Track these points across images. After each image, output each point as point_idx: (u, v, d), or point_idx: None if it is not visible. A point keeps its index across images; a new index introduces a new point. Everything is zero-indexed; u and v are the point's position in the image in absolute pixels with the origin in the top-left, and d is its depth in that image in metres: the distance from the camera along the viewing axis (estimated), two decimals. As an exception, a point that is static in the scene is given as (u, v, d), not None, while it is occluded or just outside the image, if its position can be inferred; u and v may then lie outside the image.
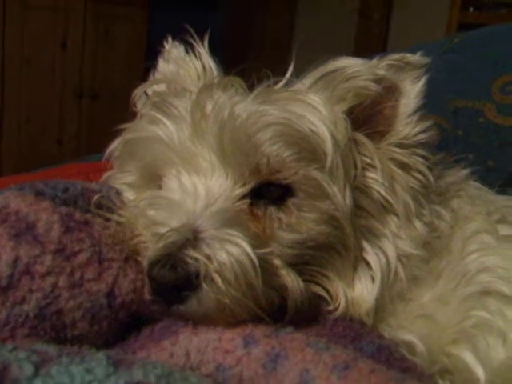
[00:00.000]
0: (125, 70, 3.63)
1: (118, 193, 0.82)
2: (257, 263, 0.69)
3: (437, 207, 0.88)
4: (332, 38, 3.76)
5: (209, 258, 0.68)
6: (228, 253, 0.68)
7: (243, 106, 0.77)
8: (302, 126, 0.77)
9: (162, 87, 0.94)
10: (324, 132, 0.78)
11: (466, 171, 0.97)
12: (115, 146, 0.90)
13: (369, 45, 3.69)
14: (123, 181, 0.87)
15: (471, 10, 3.35)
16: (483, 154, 1.23)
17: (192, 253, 0.67)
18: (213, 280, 0.67)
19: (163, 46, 0.98)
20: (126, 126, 0.91)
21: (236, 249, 0.69)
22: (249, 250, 0.69)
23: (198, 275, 0.67)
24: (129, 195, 0.84)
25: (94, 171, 1.01)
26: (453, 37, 1.52)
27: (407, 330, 0.81)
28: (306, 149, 0.77)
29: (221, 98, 0.78)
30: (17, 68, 3.34)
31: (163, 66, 0.97)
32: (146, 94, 0.95)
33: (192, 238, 0.69)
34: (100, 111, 3.56)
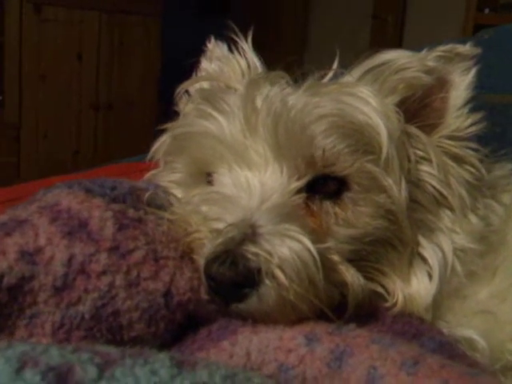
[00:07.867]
0: (140, 80, 3.63)
1: (166, 191, 0.80)
2: (318, 258, 0.67)
3: (489, 201, 0.85)
4: (347, 41, 3.74)
5: (269, 253, 0.65)
6: (289, 248, 0.66)
7: (295, 97, 0.75)
8: (357, 118, 0.75)
9: (204, 85, 0.93)
10: (378, 123, 0.75)
11: (511, 165, 0.95)
12: (159, 145, 0.88)
13: (384, 48, 3.71)
14: (170, 178, 0.85)
15: (487, 11, 3.33)
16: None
17: (252, 248, 0.65)
18: (274, 276, 0.65)
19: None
20: (168, 125, 0.90)
21: (297, 244, 0.67)
22: (309, 245, 0.67)
23: (259, 271, 0.65)
24: (177, 193, 0.82)
25: (134, 171, 0.99)
26: (483, 33, 1.50)
27: (467, 327, 0.78)
28: (361, 141, 0.75)
29: (272, 91, 0.76)
30: (34, 83, 3.35)
31: (206, 65, 0.96)
32: (187, 92, 0.93)
33: (250, 233, 0.66)
34: (115, 121, 3.55)
